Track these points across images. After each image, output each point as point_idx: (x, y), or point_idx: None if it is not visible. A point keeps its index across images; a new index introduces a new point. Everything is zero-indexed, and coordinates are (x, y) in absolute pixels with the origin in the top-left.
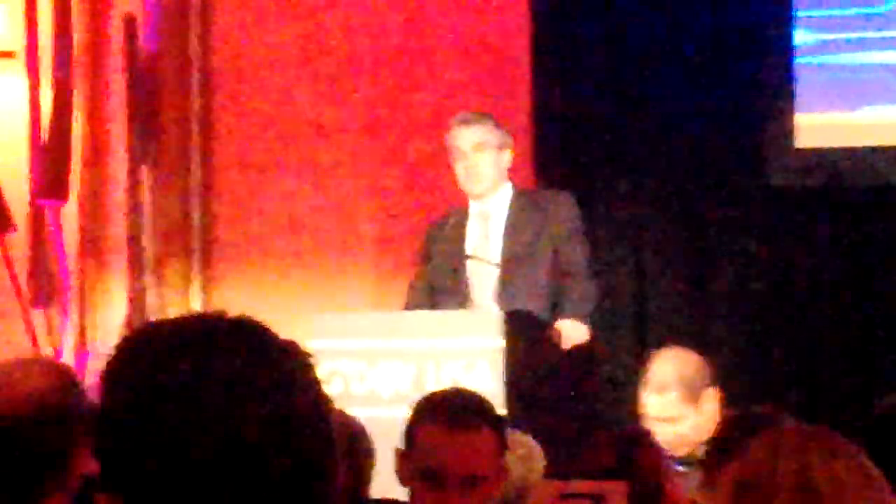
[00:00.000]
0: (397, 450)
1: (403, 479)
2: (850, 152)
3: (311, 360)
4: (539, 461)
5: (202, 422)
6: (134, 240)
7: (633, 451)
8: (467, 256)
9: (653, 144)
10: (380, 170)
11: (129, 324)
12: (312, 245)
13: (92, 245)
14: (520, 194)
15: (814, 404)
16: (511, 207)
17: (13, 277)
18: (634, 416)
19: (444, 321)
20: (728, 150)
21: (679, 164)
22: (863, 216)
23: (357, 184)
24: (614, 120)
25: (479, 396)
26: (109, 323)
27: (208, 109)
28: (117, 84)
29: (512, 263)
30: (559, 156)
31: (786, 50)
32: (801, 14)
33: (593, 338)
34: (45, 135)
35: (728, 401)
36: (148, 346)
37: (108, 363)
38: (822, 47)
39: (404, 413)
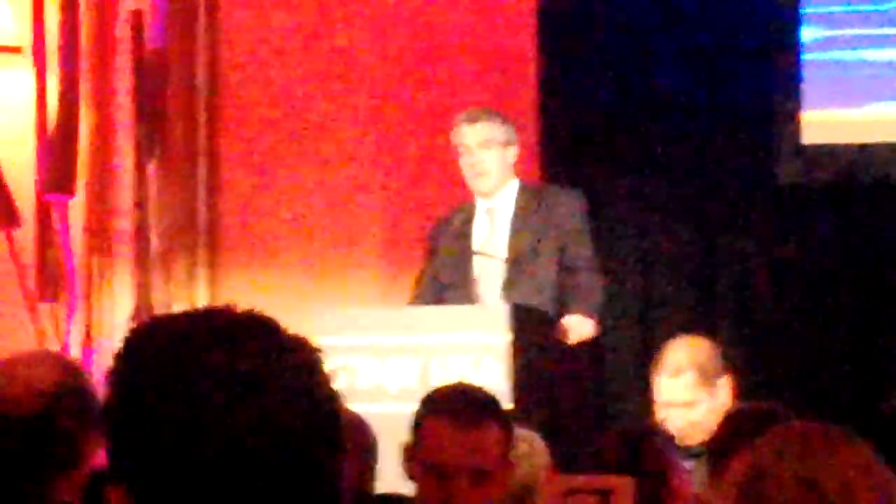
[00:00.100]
0: (404, 445)
1: (410, 474)
2: (858, 149)
3: (321, 355)
4: (544, 457)
5: (210, 416)
6: (140, 235)
7: (640, 447)
8: (474, 252)
9: (659, 140)
10: (386, 166)
11: (135, 318)
12: (319, 241)
13: (98, 240)
14: (526, 190)
15: (821, 402)
16: (517, 203)
17: (20, 272)
18: (642, 411)
19: (450, 316)
20: (735, 147)
21: (686, 160)
22: (870, 212)
23: (363, 180)
24: (620, 116)
25: (486, 392)
26: (116, 318)
27: (215, 105)
28: (124, 79)
29: (518, 259)
30: (565, 152)
31: (793, 46)
32: (808, 10)
33: (600, 333)
34: (51, 130)
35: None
36: (156, 339)
37: (116, 356)
38: (830, 44)
39: (411, 408)
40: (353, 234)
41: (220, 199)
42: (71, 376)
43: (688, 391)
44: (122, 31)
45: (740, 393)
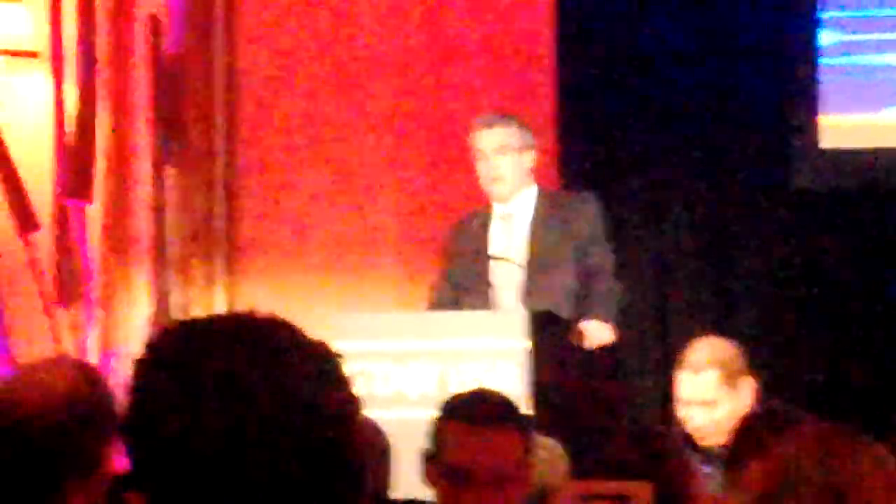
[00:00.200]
0: (423, 450)
1: (429, 479)
2: (875, 153)
3: (340, 360)
4: (563, 462)
5: (231, 421)
6: (158, 239)
7: (658, 451)
8: (491, 257)
9: (677, 145)
10: (404, 170)
11: (153, 323)
12: (336, 245)
13: (116, 244)
14: (544, 195)
15: (838, 405)
16: (535, 208)
17: (37, 277)
18: (660, 416)
19: (468, 322)
20: (752, 151)
21: (703, 164)
22: (887, 217)
23: (381, 184)
24: (638, 120)
25: (505, 397)
26: (133, 322)
27: (232, 109)
28: (141, 84)
29: (536, 264)
30: (583, 156)
31: (811, 51)
32: (826, 15)
33: (617, 338)
34: (69, 135)
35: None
36: (177, 344)
37: (137, 361)
38: (847, 48)
39: (429, 414)
40: (370, 238)
41: (237, 204)
42: (89, 382)
43: (709, 389)
44: (140, 36)
45: (766, 398)
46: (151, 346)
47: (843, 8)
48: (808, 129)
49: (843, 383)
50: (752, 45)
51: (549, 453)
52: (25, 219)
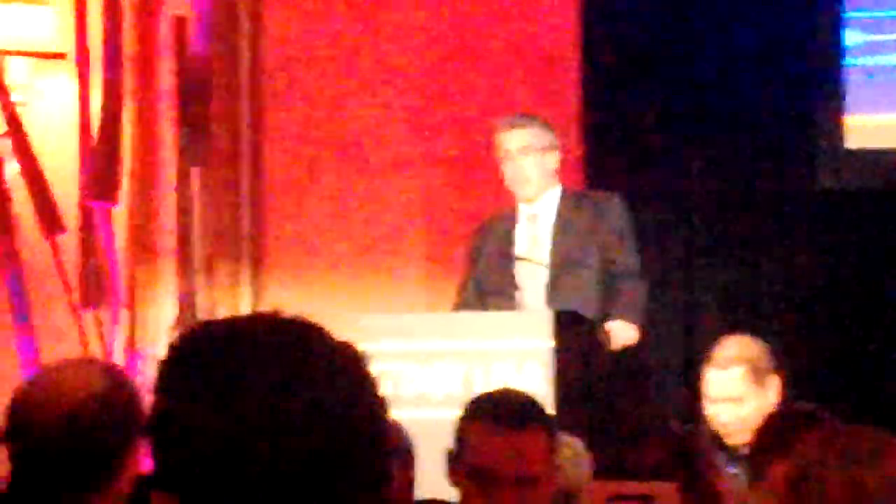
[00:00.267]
0: (448, 451)
1: (454, 480)
2: None
3: (366, 361)
4: (587, 463)
5: (257, 421)
6: (184, 241)
7: (684, 452)
8: (517, 258)
9: (702, 144)
10: (429, 171)
11: (178, 324)
12: (362, 246)
13: (141, 246)
14: (568, 196)
15: (863, 404)
16: (559, 209)
17: (63, 279)
18: (685, 416)
19: (493, 322)
20: (778, 151)
21: (729, 164)
22: None
23: (406, 185)
24: (662, 120)
25: (530, 397)
26: (159, 324)
27: (258, 111)
28: (167, 86)
29: (561, 265)
30: (608, 156)
31: (836, 51)
32: (851, 15)
33: (643, 339)
34: (94, 136)
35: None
36: (203, 345)
37: (163, 362)
38: (873, 48)
39: (454, 414)
40: (396, 239)
41: (263, 206)
42: (115, 383)
43: (737, 385)
44: (166, 37)
45: (792, 398)
46: (176, 348)
47: (868, 8)
48: (834, 129)
49: (868, 383)
50: (777, 45)
51: (573, 453)
52: (51, 221)
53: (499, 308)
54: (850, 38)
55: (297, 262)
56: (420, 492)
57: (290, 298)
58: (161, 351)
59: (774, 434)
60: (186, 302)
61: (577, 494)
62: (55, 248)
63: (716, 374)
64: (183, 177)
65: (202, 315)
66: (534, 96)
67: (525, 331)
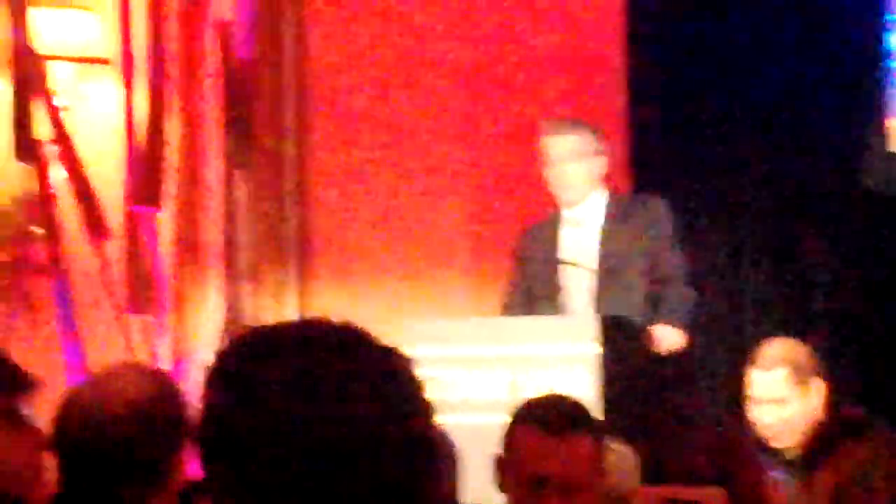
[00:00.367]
0: (495, 456)
1: (501, 485)
2: None
3: (413, 366)
4: (635, 469)
5: (305, 427)
6: (229, 246)
7: (732, 457)
8: (562, 262)
9: (747, 148)
10: (475, 175)
11: (224, 330)
12: (408, 251)
13: (187, 251)
14: (613, 200)
15: None
16: (605, 213)
17: (109, 284)
18: (732, 421)
19: (540, 327)
20: (822, 154)
21: (773, 167)
22: None
23: (452, 189)
24: (709, 123)
25: (579, 403)
26: (206, 329)
27: (303, 115)
28: (212, 91)
29: (608, 269)
30: (654, 159)
31: (879, 54)
32: (894, 18)
33: (690, 343)
34: (139, 142)
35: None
36: (251, 350)
37: (210, 368)
38: None
39: (500, 420)
40: (442, 244)
41: (308, 211)
42: (162, 388)
43: (780, 387)
44: (210, 42)
45: (830, 398)
46: (223, 354)
47: None
48: (878, 131)
49: None
50: (821, 48)
51: (621, 459)
52: (97, 227)
53: (545, 313)
54: (894, 41)
55: (343, 267)
56: (466, 498)
57: (336, 304)
58: (207, 357)
59: (823, 441)
60: (232, 307)
61: (626, 500)
62: (101, 253)
63: (759, 376)
64: (228, 181)
65: (248, 321)
66: (580, 99)
67: (571, 335)
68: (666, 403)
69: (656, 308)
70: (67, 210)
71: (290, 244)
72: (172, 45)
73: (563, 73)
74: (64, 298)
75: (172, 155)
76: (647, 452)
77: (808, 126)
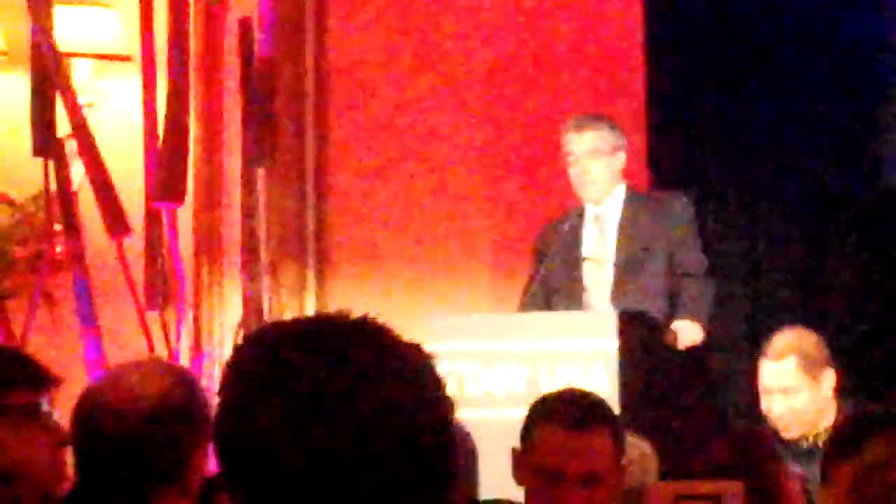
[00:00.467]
0: (514, 450)
1: (520, 479)
2: None
3: (433, 361)
4: (653, 463)
5: (325, 421)
6: (249, 242)
7: (750, 451)
8: (583, 258)
9: (766, 143)
10: (495, 171)
11: (244, 326)
12: (428, 247)
13: (207, 248)
14: (633, 195)
15: None
16: (624, 208)
17: (129, 280)
18: (751, 415)
19: (559, 322)
20: (842, 150)
21: (792, 162)
22: None
23: (472, 186)
24: (727, 119)
25: (597, 397)
26: (225, 325)
27: (323, 112)
28: (232, 87)
29: (627, 265)
30: (673, 155)
31: None
32: None
33: (708, 338)
34: (160, 138)
35: (843, 401)
36: (270, 346)
37: (229, 364)
38: None
39: (519, 414)
40: (462, 239)
41: (329, 206)
42: (181, 384)
43: (790, 376)
44: (231, 39)
45: (846, 394)
46: (242, 350)
47: None
48: None
49: None
50: (842, 43)
51: (639, 454)
52: (117, 223)
53: (565, 308)
54: None
55: (362, 263)
56: (485, 491)
57: (355, 299)
58: (227, 353)
59: (845, 437)
60: (252, 303)
61: (644, 494)
62: (121, 249)
63: (769, 366)
64: (248, 178)
65: (268, 317)
66: (599, 95)
67: (590, 331)
68: (684, 398)
69: (675, 303)
70: (88, 206)
71: (309, 240)
72: (193, 42)
73: (583, 67)
74: (84, 294)
75: (192, 152)
76: (665, 447)
77: (828, 122)
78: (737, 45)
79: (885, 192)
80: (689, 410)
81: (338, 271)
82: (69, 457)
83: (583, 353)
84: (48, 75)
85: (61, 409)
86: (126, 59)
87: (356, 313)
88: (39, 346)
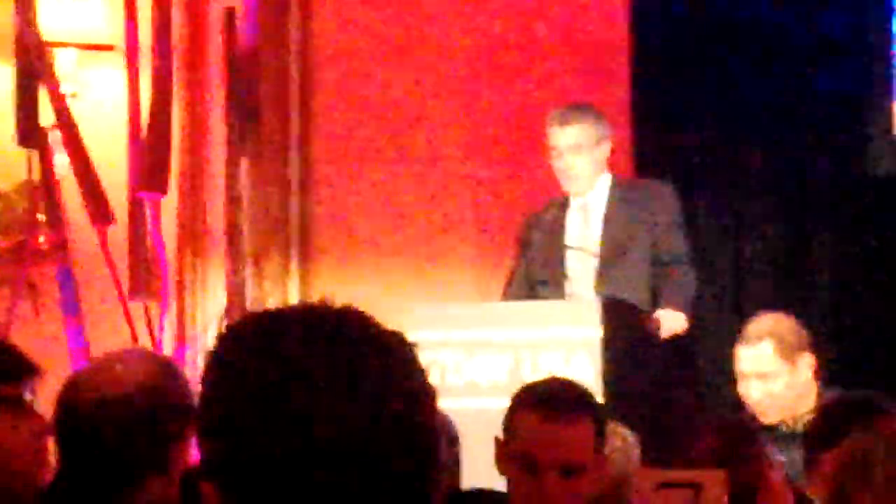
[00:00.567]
0: (496, 439)
1: (502, 468)
2: None
3: (415, 350)
4: (636, 452)
5: (306, 411)
6: (233, 232)
7: (733, 440)
8: (567, 247)
9: (752, 133)
10: (479, 160)
11: (228, 315)
12: (412, 236)
13: (191, 237)
14: (618, 184)
15: None
16: (609, 197)
17: (112, 270)
18: (734, 404)
19: (542, 311)
20: (827, 138)
21: (778, 152)
22: None
23: (457, 174)
24: (713, 108)
25: (580, 386)
26: (208, 315)
27: (307, 101)
28: (216, 76)
29: (611, 253)
30: (658, 144)
31: (885, 39)
32: None
33: (692, 327)
34: (144, 127)
35: (823, 386)
36: (252, 335)
37: (212, 352)
38: None
39: (502, 404)
40: (445, 229)
41: (312, 196)
42: (164, 374)
43: (766, 361)
44: (215, 28)
45: (833, 382)
46: (224, 338)
47: None
48: (884, 116)
49: None
50: (827, 33)
51: (622, 442)
52: (101, 212)
53: (548, 297)
54: None
55: (345, 252)
56: (468, 481)
57: (338, 288)
58: (209, 341)
59: (829, 423)
60: (235, 292)
61: (626, 483)
62: (104, 239)
63: (745, 351)
64: (232, 167)
65: (251, 305)
66: (584, 83)
67: (573, 320)
68: (668, 387)
69: (659, 291)
70: (71, 196)
71: (293, 229)
72: (177, 31)
73: (568, 55)
74: (67, 284)
75: (176, 141)
76: (649, 436)
77: (812, 110)
78: (723, 33)
79: (872, 181)
80: (673, 399)
81: (321, 260)
82: (52, 445)
83: (566, 341)
84: (32, 65)
85: (45, 398)
86: (110, 48)
87: (339, 302)
88: (23, 336)
